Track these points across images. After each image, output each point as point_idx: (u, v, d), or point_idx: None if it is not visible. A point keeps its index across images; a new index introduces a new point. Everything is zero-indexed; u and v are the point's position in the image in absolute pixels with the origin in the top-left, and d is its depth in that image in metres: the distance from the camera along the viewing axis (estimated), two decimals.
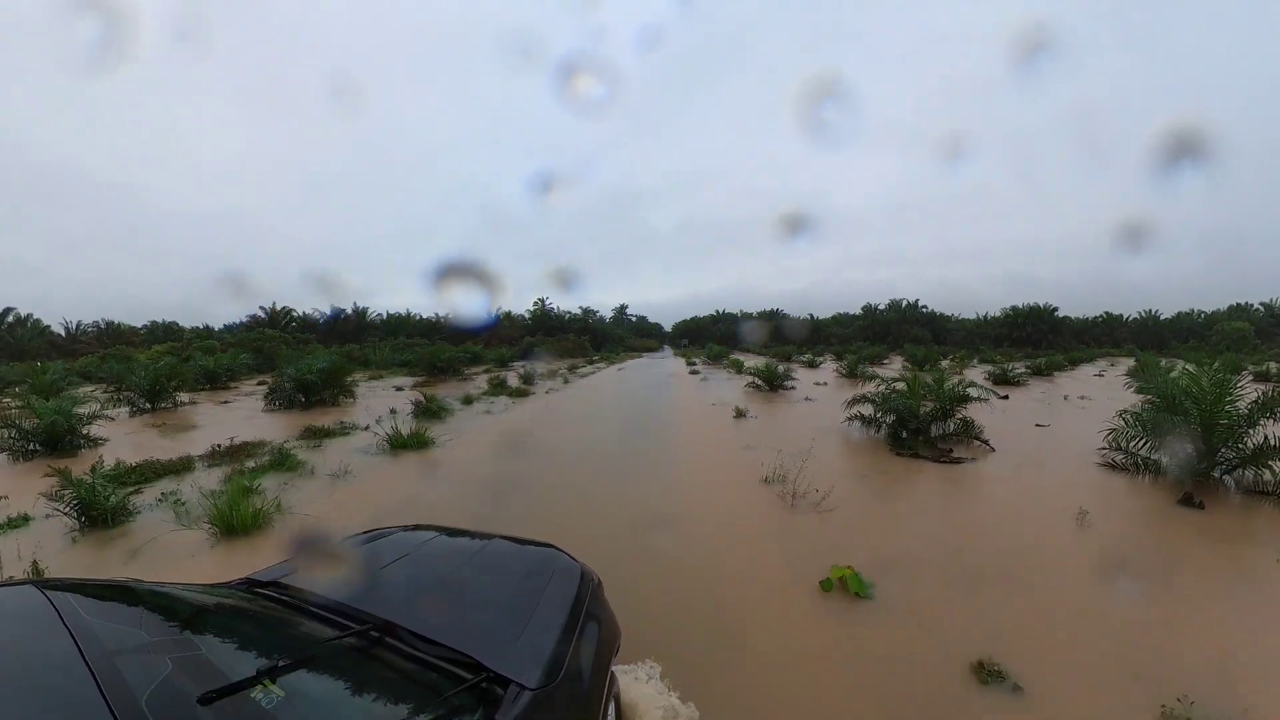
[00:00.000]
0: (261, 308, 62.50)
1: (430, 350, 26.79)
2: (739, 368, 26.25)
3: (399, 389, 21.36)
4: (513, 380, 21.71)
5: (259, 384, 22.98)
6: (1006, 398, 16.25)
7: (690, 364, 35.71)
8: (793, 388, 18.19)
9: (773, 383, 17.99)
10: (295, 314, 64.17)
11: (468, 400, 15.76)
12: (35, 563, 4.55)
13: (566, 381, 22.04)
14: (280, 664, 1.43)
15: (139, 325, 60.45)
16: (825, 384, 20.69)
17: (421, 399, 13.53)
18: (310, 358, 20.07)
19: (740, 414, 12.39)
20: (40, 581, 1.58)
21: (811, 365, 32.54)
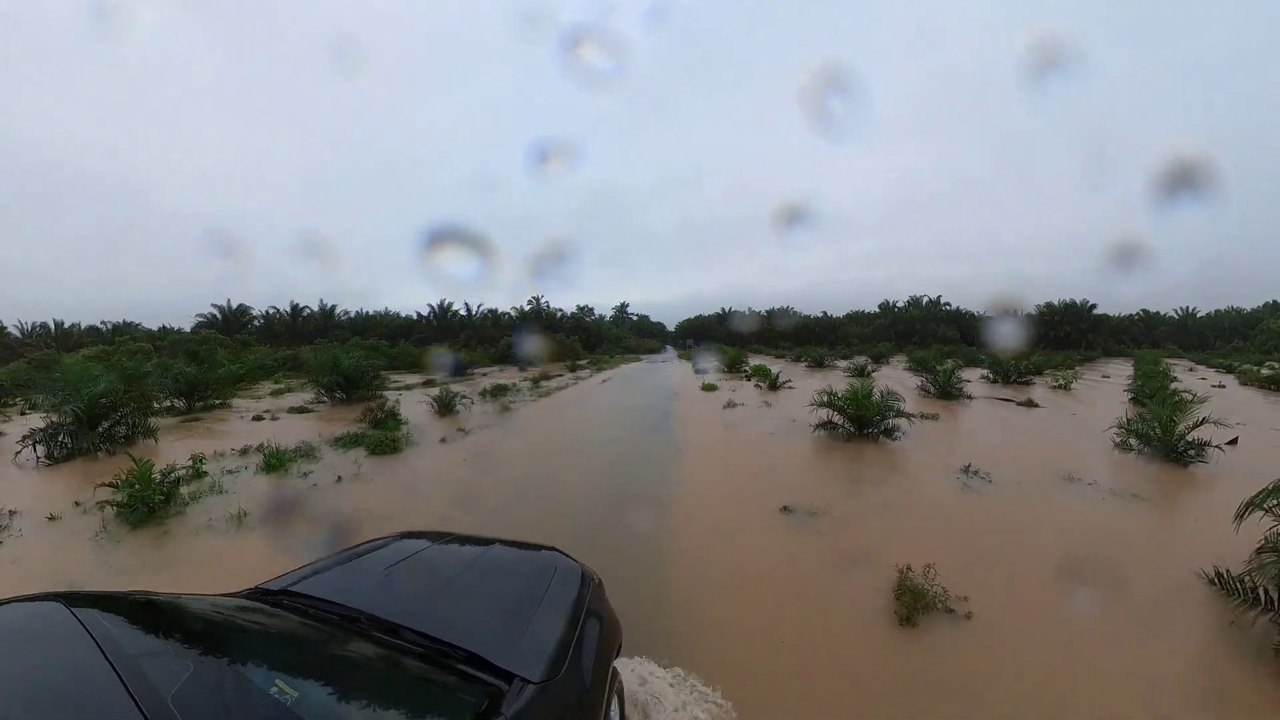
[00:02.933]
0: (215, 305, 55.26)
1: (326, 357, 18.72)
2: (770, 379, 18.19)
3: (260, 418, 13.73)
4: (442, 399, 13.73)
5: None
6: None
7: (699, 371, 27.62)
8: (898, 432, 10.04)
9: (863, 423, 9.91)
10: (254, 312, 57.08)
11: (272, 464, 7.76)
12: None
13: (506, 409, 13.95)
14: (291, 666, 1.58)
15: (101, 325, 54.24)
16: (934, 417, 12.57)
17: (119, 486, 5.48)
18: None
19: (927, 613, 3.83)
20: (66, 596, 1.63)
21: (861, 373, 24.38)
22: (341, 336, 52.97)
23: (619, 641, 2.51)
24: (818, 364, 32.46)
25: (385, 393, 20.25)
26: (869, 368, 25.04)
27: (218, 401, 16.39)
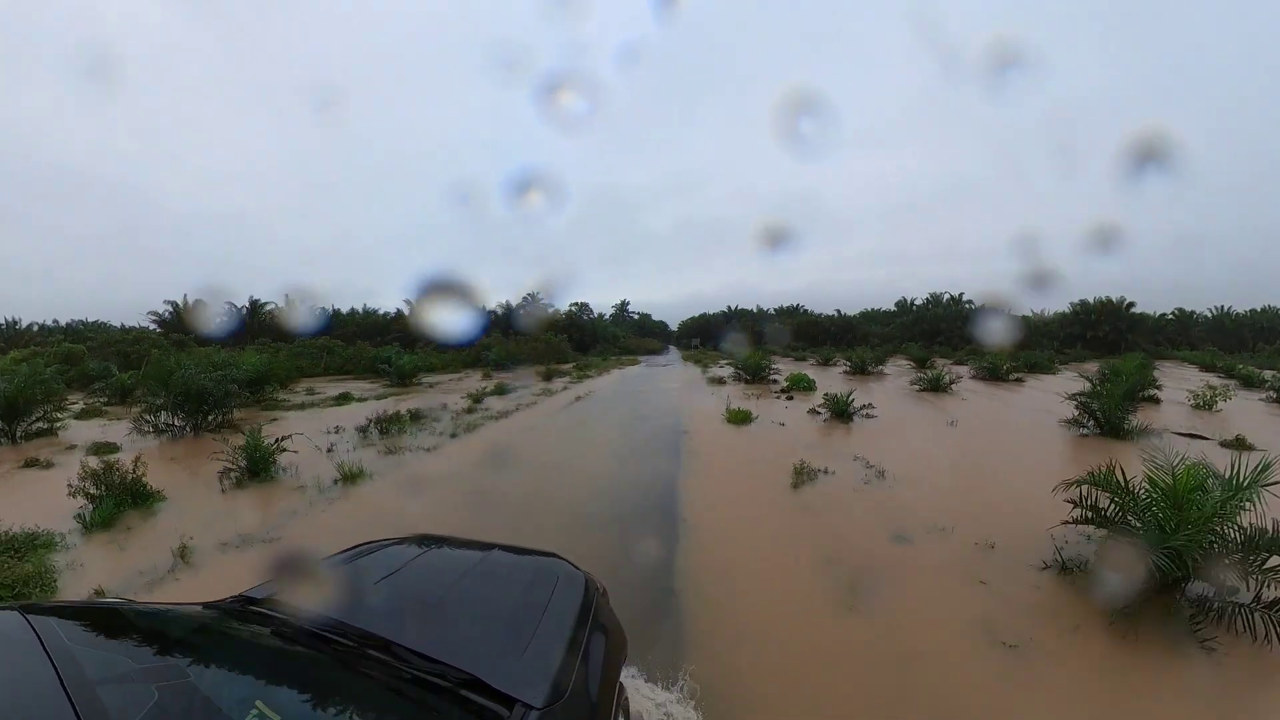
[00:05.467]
0: (170, 302, 49.04)
1: (161, 367, 12.23)
2: (836, 404, 11.55)
3: (34, 462, 8.79)
4: (252, 455, 7.27)
5: None
6: None
7: (715, 381, 21.06)
8: None
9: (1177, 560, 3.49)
10: (214, 309, 50.91)
11: None
12: None
13: (354, 479, 7.03)
14: (274, 687, 1.42)
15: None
16: None
17: None
18: None
19: None
20: (25, 606, 1.53)
21: (936, 387, 17.84)
22: (315, 336, 46.95)
23: (624, 654, 2.33)
24: (859, 370, 25.87)
25: (276, 412, 13.94)
26: (945, 378, 18.33)
27: (53, 425, 12.18)
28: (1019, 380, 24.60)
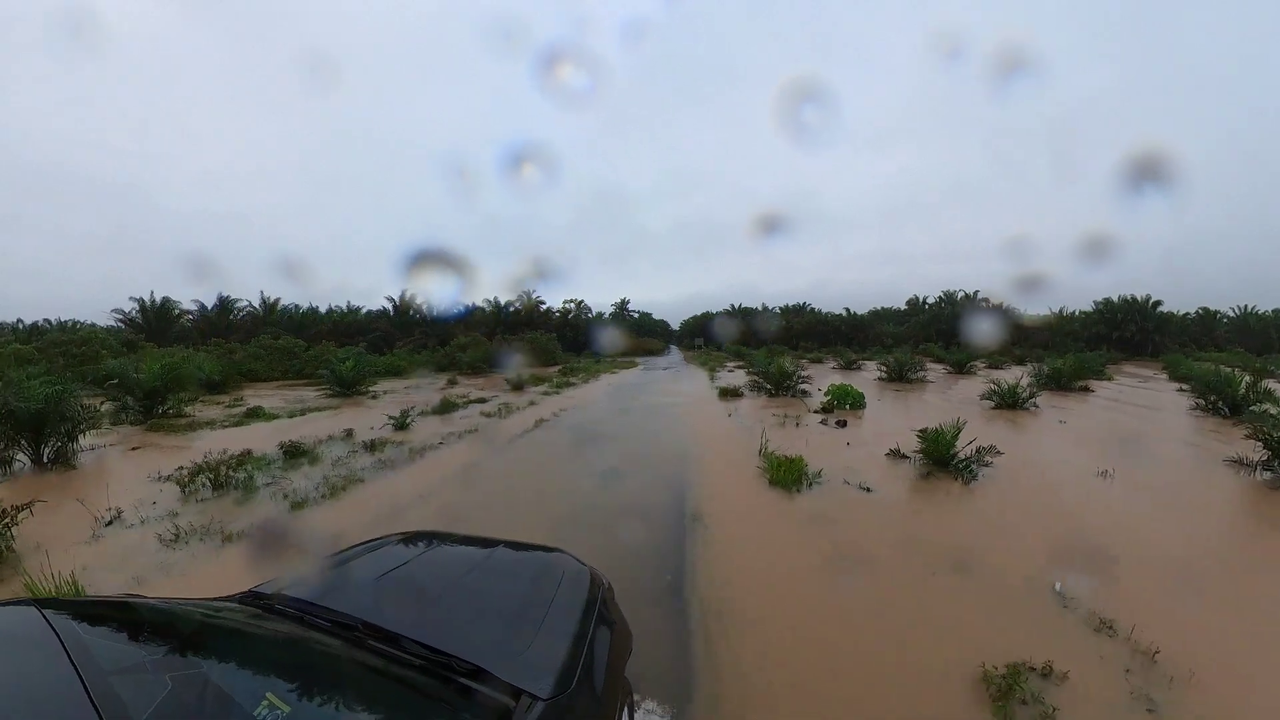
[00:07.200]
0: (136, 299, 45.24)
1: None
2: (937, 443, 7.44)
3: None
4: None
5: None
6: None
7: (728, 393, 17.03)
8: None
9: None
10: (181, 308, 47.06)
11: None
12: None
13: None
14: (284, 679, 1.42)
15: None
16: None
17: None
18: None
19: None
20: (39, 601, 1.47)
21: (1014, 402, 13.83)
22: (275, 335, 43.15)
23: (630, 649, 2.34)
24: (896, 376, 21.88)
25: (158, 435, 10.01)
26: (1023, 389, 14.27)
27: None
28: (1085, 389, 20.73)
